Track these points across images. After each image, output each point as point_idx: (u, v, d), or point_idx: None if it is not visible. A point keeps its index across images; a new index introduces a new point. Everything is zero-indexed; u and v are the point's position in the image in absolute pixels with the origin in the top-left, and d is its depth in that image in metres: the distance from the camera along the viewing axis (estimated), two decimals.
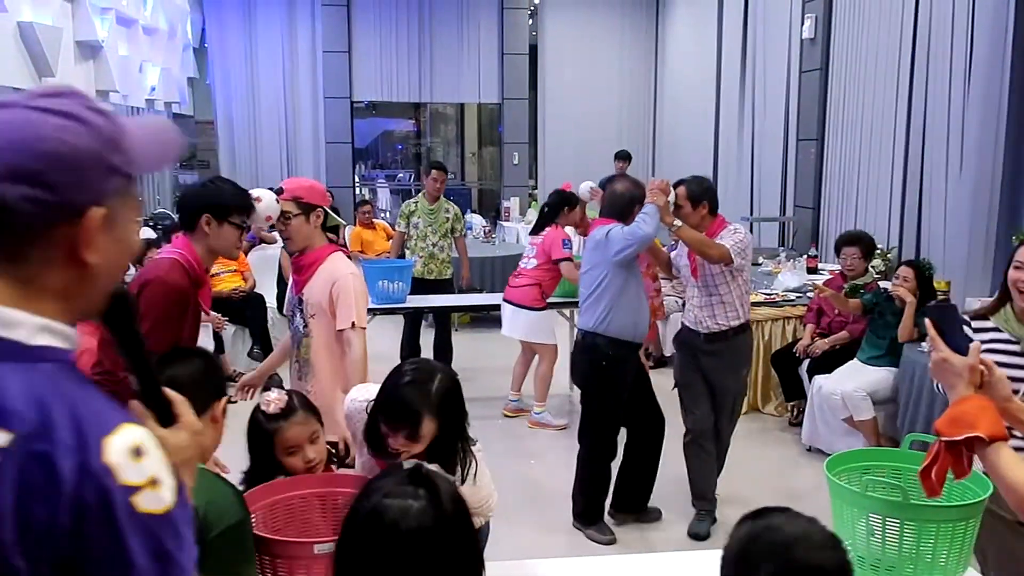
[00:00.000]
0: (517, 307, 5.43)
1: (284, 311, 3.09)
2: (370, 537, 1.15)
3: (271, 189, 2.89)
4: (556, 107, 12.07)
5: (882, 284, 5.31)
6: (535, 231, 5.58)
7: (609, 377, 3.84)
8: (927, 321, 1.59)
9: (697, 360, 3.95)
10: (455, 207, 6.36)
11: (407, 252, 6.31)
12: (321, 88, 11.41)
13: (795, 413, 5.47)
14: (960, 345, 1.56)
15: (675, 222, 3.69)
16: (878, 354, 4.85)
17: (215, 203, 2.62)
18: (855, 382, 4.73)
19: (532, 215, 11.24)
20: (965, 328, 1.79)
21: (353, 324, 2.79)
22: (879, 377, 4.76)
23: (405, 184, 14.24)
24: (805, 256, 7.06)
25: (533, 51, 11.98)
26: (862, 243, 5.18)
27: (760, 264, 7.14)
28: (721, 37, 9.87)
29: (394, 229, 6.92)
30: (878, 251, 6.21)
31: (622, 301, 3.77)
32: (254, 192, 2.75)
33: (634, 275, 3.83)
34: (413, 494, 1.16)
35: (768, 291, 6.15)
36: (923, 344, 4.57)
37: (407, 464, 1.24)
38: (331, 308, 2.82)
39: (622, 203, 3.86)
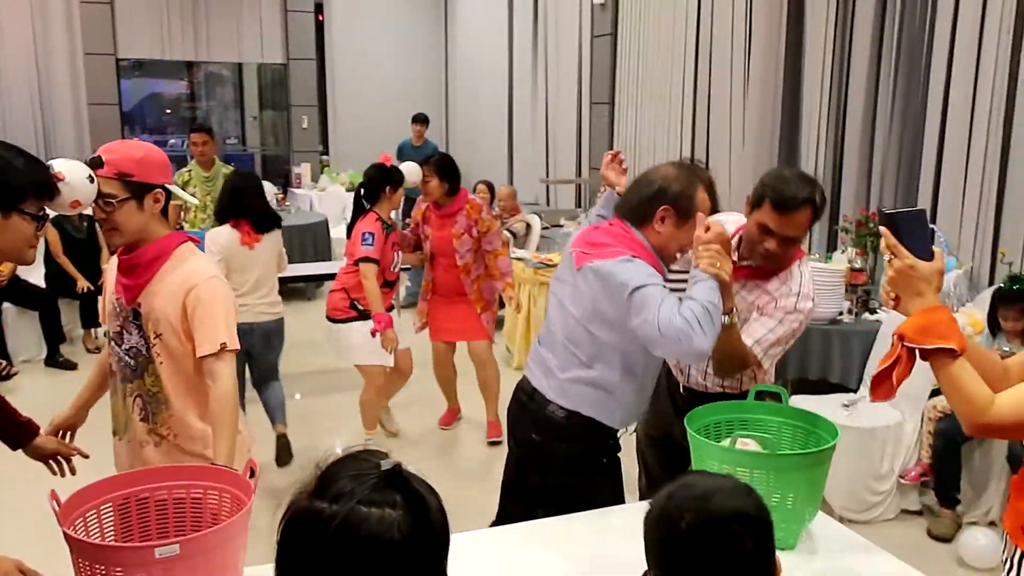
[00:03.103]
0: (328, 319, 4.43)
1: (101, 321, 2.25)
2: (339, 551, 0.98)
3: (86, 162, 1.98)
4: (346, 70, 11.63)
5: None
6: (354, 219, 4.41)
7: (585, 484, 2.32)
8: (883, 229, 1.50)
9: (674, 420, 2.45)
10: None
11: (185, 225, 5.76)
12: (80, 43, 10.24)
13: None
14: (925, 251, 1.50)
15: (728, 315, 2.15)
16: None
17: None
18: None
19: (325, 182, 10.83)
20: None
21: (223, 346, 2.06)
22: None
23: (179, 150, 13.24)
24: None
25: (320, 9, 11.44)
26: None
27: (561, 226, 7.36)
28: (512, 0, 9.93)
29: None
30: None
31: (621, 368, 2.24)
32: (54, 166, 1.87)
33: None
34: (392, 502, 1.00)
35: None
36: None
37: (384, 464, 1.03)
38: (185, 325, 2.08)
39: (641, 198, 2.21)
